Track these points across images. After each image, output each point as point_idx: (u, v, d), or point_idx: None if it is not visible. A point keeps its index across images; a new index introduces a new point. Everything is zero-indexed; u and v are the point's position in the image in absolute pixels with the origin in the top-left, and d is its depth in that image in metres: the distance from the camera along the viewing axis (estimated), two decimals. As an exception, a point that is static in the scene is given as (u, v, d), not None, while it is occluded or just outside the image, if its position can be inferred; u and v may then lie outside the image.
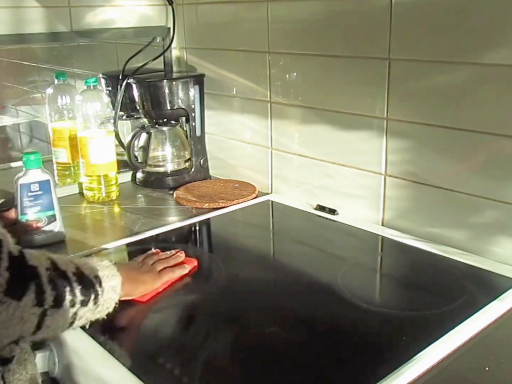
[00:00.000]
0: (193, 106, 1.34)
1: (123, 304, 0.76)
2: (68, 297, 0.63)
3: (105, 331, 0.75)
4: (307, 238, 1.07)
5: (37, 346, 0.73)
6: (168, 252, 0.93)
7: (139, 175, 1.38)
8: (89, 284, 0.67)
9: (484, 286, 0.85)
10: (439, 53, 0.91)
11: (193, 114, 1.34)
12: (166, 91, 1.29)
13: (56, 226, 1.02)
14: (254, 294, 0.85)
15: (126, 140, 1.31)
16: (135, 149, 1.33)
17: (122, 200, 1.27)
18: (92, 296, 0.67)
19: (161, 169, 1.36)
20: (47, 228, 1.01)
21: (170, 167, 1.37)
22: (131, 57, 1.32)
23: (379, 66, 1.00)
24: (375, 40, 0.99)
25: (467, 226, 0.94)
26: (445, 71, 0.91)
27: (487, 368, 0.66)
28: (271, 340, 0.73)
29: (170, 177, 1.35)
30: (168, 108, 1.31)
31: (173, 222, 1.13)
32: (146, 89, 1.31)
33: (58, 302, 0.62)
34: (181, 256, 0.92)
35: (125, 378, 0.64)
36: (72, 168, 1.34)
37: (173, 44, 1.41)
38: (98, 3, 1.31)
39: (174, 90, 1.30)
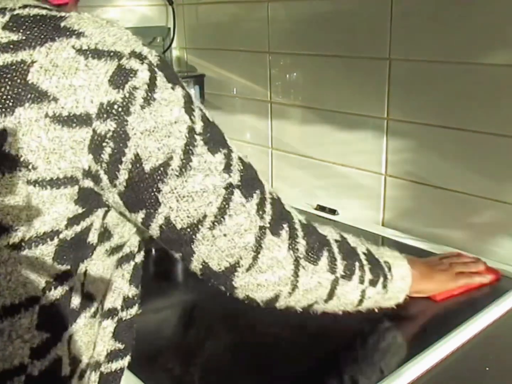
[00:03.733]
0: (193, 106, 1.33)
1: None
2: (357, 272, 0.63)
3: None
4: (307, 238, 1.07)
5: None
6: (471, 256, 0.87)
7: (139, 175, 1.37)
8: (378, 265, 0.66)
9: (484, 286, 0.85)
10: (439, 53, 0.91)
11: (193, 114, 1.34)
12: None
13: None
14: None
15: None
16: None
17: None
18: (381, 279, 0.66)
19: (161, 169, 1.36)
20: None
21: (170, 167, 1.36)
22: (131, 57, 1.32)
23: (379, 66, 1.00)
24: (375, 40, 0.99)
25: (467, 226, 0.94)
26: (445, 71, 0.91)
27: (487, 368, 0.66)
28: (271, 340, 0.73)
29: (170, 177, 1.35)
30: (168, 108, 1.31)
31: (173, 222, 1.12)
32: (146, 89, 1.30)
33: (348, 273, 0.62)
34: (483, 263, 0.85)
35: (125, 378, 0.64)
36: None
37: (174, 44, 1.41)
38: (99, 3, 1.31)
39: (174, 90, 1.30)
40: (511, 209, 0.88)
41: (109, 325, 0.58)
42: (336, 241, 0.63)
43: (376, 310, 0.70)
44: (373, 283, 0.65)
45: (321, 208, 1.15)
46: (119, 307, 0.59)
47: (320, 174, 1.18)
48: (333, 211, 1.13)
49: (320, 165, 1.17)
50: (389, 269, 0.68)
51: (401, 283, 0.70)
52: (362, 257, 0.65)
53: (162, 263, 1.00)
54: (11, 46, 0.43)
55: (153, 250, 1.02)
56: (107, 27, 0.46)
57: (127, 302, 0.60)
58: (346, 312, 0.67)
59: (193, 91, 1.32)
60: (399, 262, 0.71)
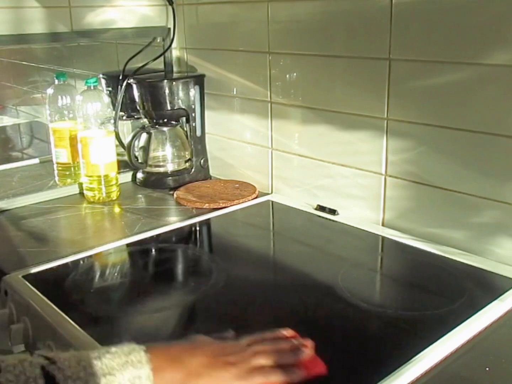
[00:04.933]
0: (193, 106, 1.34)
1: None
2: None
3: (106, 331, 0.75)
4: (307, 238, 1.07)
5: (37, 346, 0.73)
6: (294, 341, 0.63)
7: (140, 175, 1.38)
8: None
9: (484, 286, 0.85)
10: (439, 53, 0.91)
11: (193, 114, 1.34)
12: (167, 91, 1.29)
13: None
14: (254, 294, 0.85)
15: (126, 140, 1.31)
16: (136, 149, 1.33)
17: (122, 200, 1.27)
18: None
19: (162, 169, 1.36)
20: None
21: (170, 167, 1.37)
22: (132, 57, 1.32)
23: (379, 66, 1.00)
24: (375, 40, 1.00)
25: (467, 226, 0.94)
26: (445, 71, 0.91)
27: (487, 368, 0.66)
28: (271, 340, 0.73)
29: (170, 177, 1.35)
30: (169, 108, 1.31)
31: (174, 222, 1.13)
32: (146, 90, 1.31)
33: None
34: (305, 352, 0.61)
35: (125, 378, 0.64)
36: (72, 168, 1.34)
37: (173, 44, 1.41)
38: (99, 3, 1.31)
39: (175, 90, 1.30)
40: (511, 209, 0.88)
41: None
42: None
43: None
44: None
45: (321, 208, 1.15)
46: None
47: (320, 174, 1.18)
48: (333, 211, 1.13)
49: (320, 165, 1.17)
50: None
51: None
52: None
53: (162, 263, 1.00)
54: None
55: (153, 250, 1.03)
56: None
57: None
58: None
59: (193, 91, 1.32)
60: (124, 359, 0.55)
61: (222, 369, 0.57)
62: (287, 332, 0.65)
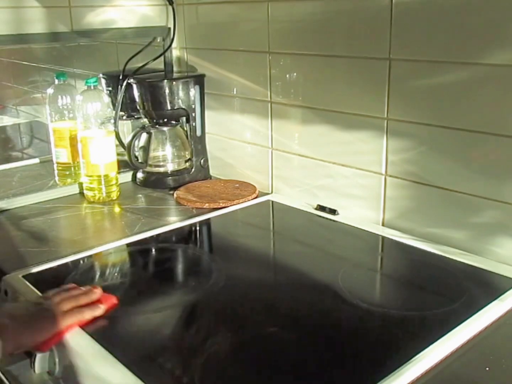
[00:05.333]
0: (193, 106, 1.34)
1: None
2: None
3: (106, 331, 0.75)
4: (308, 238, 1.07)
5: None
6: (83, 288, 0.81)
7: (140, 175, 1.38)
8: None
9: (484, 286, 0.85)
10: (439, 53, 0.91)
11: (193, 114, 1.34)
12: (167, 91, 1.29)
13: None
14: (254, 294, 0.85)
15: (126, 140, 1.31)
16: (136, 149, 1.33)
17: (122, 200, 1.27)
18: None
19: (162, 169, 1.36)
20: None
21: (170, 167, 1.37)
22: (132, 57, 1.32)
23: (380, 66, 1.00)
24: (375, 40, 1.00)
25: (467, 226, 0.94)
26: (445, 71, 0.91)
27: (487, 368, 0.66)
28: (271, 340, 0.73)
29: (170, 177, 1.35)
30: (169, 108, 1.31)
31: (174, 222, 1.13)
32: (146, 89, 1.31)
33: None
34: (96, 292, 0.80)
35: (125, 378, 0.64)
36: (72, 168, 1.34)
37: (174, 44, 1.41)
38: (99, 3, 1.31)
39: (175, 90, 1.30)
40: (511, 209, 0.88)
41: None
42: None
43: None
44: None
45: (321, 208, 1.15)
46: None
47: (320, 174, 1.18)
48: (333, 211, 1.13)
49: (320, 165, 1.17)
50: None
51: None
52: None
53: (162, 263, 1.00)
54: None
55: (153, 250, 1.03)
56: None
57: None
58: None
59: (193, 91, 1.32)
60: None
61: (43, 320, 0.72)
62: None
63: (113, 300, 0.80)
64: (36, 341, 0.71)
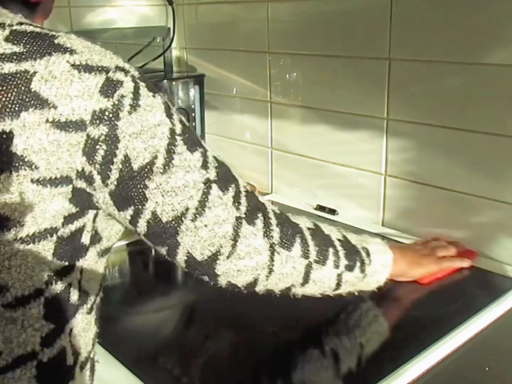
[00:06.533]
0: (193, 106, 1.34)
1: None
2: (331, 257, 0.67)
3: (106, 331, 0.75)
4: (307, 238, 1.07)
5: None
6: (448, 239, 0.92)
7: (139, 175, 1.37)
8: (354, 251, 0.70)
9: (484, 286, 0.85)
10: (439, 53, 0.91)
11: (193, 114, 1.34)
12: (166, 91, 1.29)
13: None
14: (254, 294, 0.85)
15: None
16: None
17: (122, 200, 1.27)
18: (358, 264, 0.70)
19: (161, 169, 1.36)
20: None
21: (170, 167, 1.36)
22: (131, 57, 1.32)
23: (379, 66, 1.00)
24: (375, 40, 0.99)
25: (467, 226, 0.94)
26: (445, 71, 0.91)
27: (487, 368, 0.66)
28: (271, 340, 0.73)
29: (170, 177, 1.35)
30: (168, 108, 1.31)
31: (173, 222, 1.12)
32: (146, 89, 1.30)
33: (322, 258, 0.66)
34: (461, 246, 0.91)
35: (125, 378, 0.64)
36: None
37: (173, 44, 1.41)
38: (98, 3, 1.31)
39: (174, 90, 1.30)
40: (511, 209, 0.88)
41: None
42: (309, 228, 0.67)
43: (356, 293, 0.73)
44: (349, 267, 0.69)
45: (321, 208, 1.15)
46: None
47: (320, 174, 1.18)
48: (333, 211, 1.13)
49: (320, 165, 1.17)
50: (368, 254, 0.72)
51: (381, 268, 0.74)
52: (337, 243, 0.69)
53: (162, 263, 1.00)
54: (15, 57, 0.48)
55: (153, 251, 1.03)
56: (92, 46, 0.55)
57: None
58: (326, 296, 0.70)
59: (193, 91, 1.32)
60: (380, 248, 0.75)
61: (425, 258, 0.84)
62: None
63: (474, 254, 0.90)
64: (419, 274, 0.83)
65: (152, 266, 1.01)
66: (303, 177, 1.22)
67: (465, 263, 0.87)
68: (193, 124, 1.35)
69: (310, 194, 1.21)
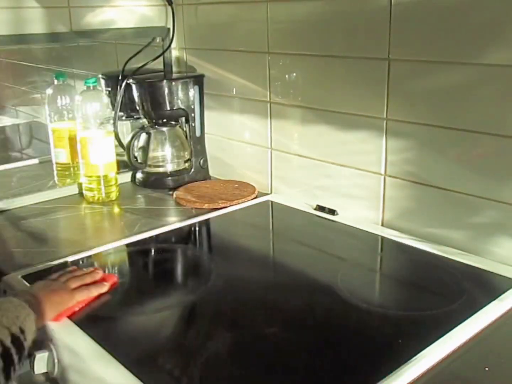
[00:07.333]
0: (192, 106, 1.34)
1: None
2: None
3: (105, 331, 0.75)
4: (307, 239, 1.07)
5: (37, 346, 0.73)
6: (85, 269, 0.89)
7: (139, 175, 1.38)
8: (21, 346, 0.66)
9: (484, 286, 0.85)
10: (439, 53, 0.91)
11: (192, 115, 1.34)
12: (166, 91, 1.29)
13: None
14: (254, 294, 0.85)
15: (125, 140, 1.31)
16: (135, 149, 1.33)
17: (121, 201, 1.27)
18: (24, 353, 0.66)
19: (161, 170, 1.36)
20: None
21: (169, 167, 1.36)
22: (131, 58, 1.32)
23: (379, 66, 1.00)
24: (375, 40, 1.00)
25: (467, 226, 0.94)
26: (445, 71, 0.91)
27: (487, 368, 0.66)
28: (271, 340, 0.73)
29: (169, 178, 1.35)
30: (168, 108, 1.31)
31: (173, 222, 1.13)
32: (145, 90, 1.31)
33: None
34: (99, 273, 0.87)
35: (125, 378, 0.64)
36: (72, 169, 1.34)
37: (173, 45, 1.41)
38: (98, 3, 1.31)
39: (174, 91, 1.30)
40: (511, 209, 0.88)
41: None
42: None
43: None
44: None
45: (320, 208, 1.15)
46: None
47: (320, 174, 1.18)
48: (332, 211, 1.13)
49: (320, 165, 1.17)
50: (25, 338, 0.67)
51: (31, 334, 0.70)
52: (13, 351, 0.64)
53: (162, 263, 1.00)
54: None
55: (153, 251, 1.03)
56: None
57: None
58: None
59: (193, 91, 1.32)
60: (24, 312, 0.70)
61: (57, 295, 0.79)
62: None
63: (114, 278, 0.87)
64: (53, 314, 0.77)
65: (152, 266, 1.01)
66: (302, 177, 1.22)
67: (103, 288, 0.84)
68: (193, 124, 1.35)
69: (309, 194, 1.21)
